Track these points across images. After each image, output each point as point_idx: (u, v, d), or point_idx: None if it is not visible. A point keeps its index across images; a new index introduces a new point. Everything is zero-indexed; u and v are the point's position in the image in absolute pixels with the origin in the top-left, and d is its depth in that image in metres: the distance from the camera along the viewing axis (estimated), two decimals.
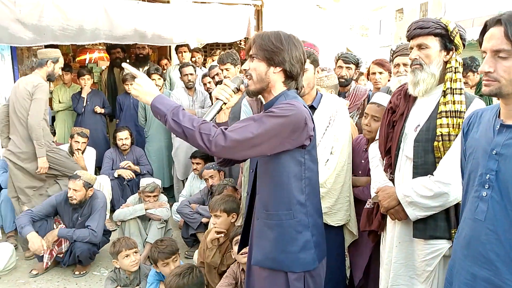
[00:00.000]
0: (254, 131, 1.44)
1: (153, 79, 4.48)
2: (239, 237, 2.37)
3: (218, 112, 1.58)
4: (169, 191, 4.72)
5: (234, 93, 1.59)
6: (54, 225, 3.28)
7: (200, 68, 5.27)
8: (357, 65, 3.43)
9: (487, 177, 1.16)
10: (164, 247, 2.57)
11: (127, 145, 4.42)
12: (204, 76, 4.38)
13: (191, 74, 4.29)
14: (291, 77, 1.60)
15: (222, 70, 3.66)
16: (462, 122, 1.67)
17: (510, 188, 1.11)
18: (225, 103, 1.58)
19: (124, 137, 4.39)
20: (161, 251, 2.57)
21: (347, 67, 3.35)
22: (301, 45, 1.61)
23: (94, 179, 3.34)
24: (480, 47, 1.17)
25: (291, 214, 1.58)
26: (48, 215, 3.25)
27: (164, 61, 5.99)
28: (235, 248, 2.40)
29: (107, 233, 3.47)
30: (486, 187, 1.17)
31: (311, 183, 1.63)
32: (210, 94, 4.36)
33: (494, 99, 3.19)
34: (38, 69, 3.62)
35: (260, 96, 1.69)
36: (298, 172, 1.58)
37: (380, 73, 3.32)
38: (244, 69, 1.64)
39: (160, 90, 4.57)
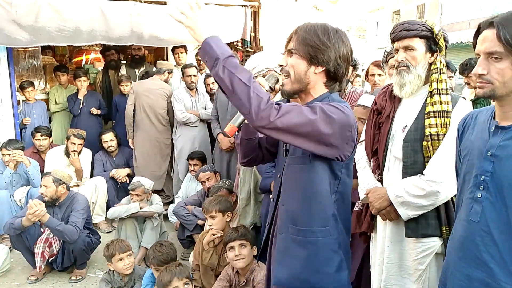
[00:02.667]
0: (308, 117, 1.26)
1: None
2: (233, 243, 2.37)
3: None
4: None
5: (269, 92, 1.41)
6: (41, 229, 3.21)
7: (204, 71, 5.27)
8: (354, 66, 3.43)
9: (482, 179, 1.17)
10: (160, 254, 2.56)
11: (114, 146, 4.41)
12: (208, 76, 4.38)
13: (194, 75, 4.28)
14: (334, 78, 1.40)
15: None
16: (449, 121, 1.70)
17: (505, 189, 1.12)
18: None
19: (109, 139, 4.38)
20: (156, 257, 2.57)
21: None
22: (349, 41, 1.42)
23: (67, 176, 3.26)
24: (474, 50, 1.18)
25: (328, 231, 1.40)
26: None
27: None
28: (229, 253, 2.40)
29: (96, 233, 3.43)
30: (480, 189, 1.17)
31: (342, 198, 1.45)
32: (212, 94, 4.36)
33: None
34: (157, 75, 4.48)
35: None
36: (333, 186, 1.41)
37: (379, 75, 3.33)
38: (281, 65, 1.45)
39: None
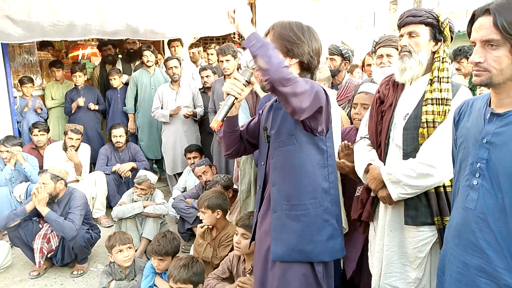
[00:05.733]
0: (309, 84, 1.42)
1: (144, 55, 4.71)
2: (239, 229, 2.33)
3: (230, 108, 1.56)
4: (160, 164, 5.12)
5: (245, 86, 1.55)
6: (39, 225, 3.22)
7: (199, 63, 5.27)
8: (342, 56, 3.47)
9: (477, 166, 1.17)
10: (157, 245, 2.57)
11: (122, 142, 4.39)
12: (203, 69, 4.36)
13: (175, 67, 4.30)
14: (307, 69, 1.56)
15: (222, 61, 3.66)
16: (448, 109, 1.70)
17: (501, 176, 1.12)
18: (236, 98, 1.54)
19: (118, 134, 4.36)
20: (153, 247, 2.59)
21: (331, 59, 3.46)
22: (318, 37, 1.58)
23: (64, 172, 3.26)
24: (469, 38, 1.16)
25: (317, 203, 1.55)
26: (31, 215, 3.16)
27: (158, 56, 5.96)
28: (235, 236, 2.37)
29: (96, 228, 3.45)
30: (476, 176, 1.17)
31: (334, 171, 1.61)
32: (207, 88, 4.35)
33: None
34: None
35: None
36: (321, 160, 1.56)
37: None
38: None
39: (152, 65, 4.81)
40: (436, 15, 1.74)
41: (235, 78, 1.54)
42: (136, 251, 3.20)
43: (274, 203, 1.60)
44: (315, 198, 1.55)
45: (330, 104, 1.52)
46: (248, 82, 1.56)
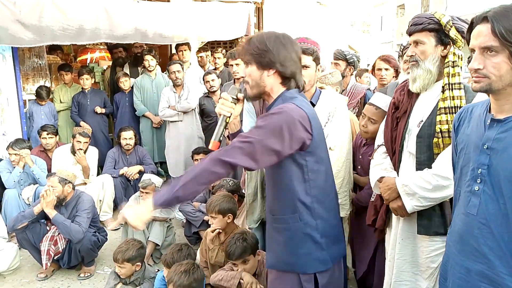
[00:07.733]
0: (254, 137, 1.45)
1: (146, 60, 4.78)
2: (235, 262, 2.33)
3: (225, 128, 1.62)
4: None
5: (235, 104, 1.62)
6: (47, 227, 3.25)
7: (207, 67, 5.31)
8: (346, 61, 3.47)
9: (479, 172, 1.17)
10: (171, 257, 2.56)
11: (131, 145, 4.42)
12: (207, 73, 4.39)
13: (178, 71, 4.37)
14: (287, 77, 1.57)
15: (231, 65, 3.67)
16: None
17: (502, 182, 1.12)
18: (229, 117, 1.61)
19: (128, 137, 4.40)
20: (166, 259, 2.59)
21: (335, 63, 3.45)
22: (291, 43, 1.57)
23: (71, 175, 3.28)
24: (468, 45, 1.18)
25: (296, 217, 1.56)
26: (39, 217, 3.19)
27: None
28: (234, 267, 2.36)
29: (103, 231, 3.46)
30: (478, 182, 1.17)
31: (317, 185, 1.57)
32: (211, 92, 4.36)
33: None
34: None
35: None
36: (299, 175, 1.55)
37: (386, 69, 3.33)
38: (242, 76, 1.66)
39: (153, 70, 4.87)
40: (437, 19, 1.68)
41: (223, 98, 1.60)
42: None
43: (266, 216, 1.70)
44: (295, 213, 1.56)
45: (303, 121, 1.50)
46: (237, 99, 1.62)
